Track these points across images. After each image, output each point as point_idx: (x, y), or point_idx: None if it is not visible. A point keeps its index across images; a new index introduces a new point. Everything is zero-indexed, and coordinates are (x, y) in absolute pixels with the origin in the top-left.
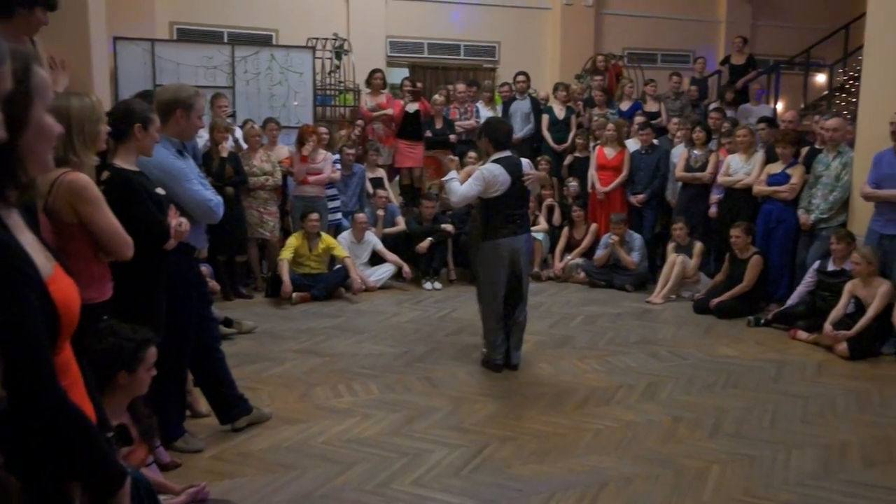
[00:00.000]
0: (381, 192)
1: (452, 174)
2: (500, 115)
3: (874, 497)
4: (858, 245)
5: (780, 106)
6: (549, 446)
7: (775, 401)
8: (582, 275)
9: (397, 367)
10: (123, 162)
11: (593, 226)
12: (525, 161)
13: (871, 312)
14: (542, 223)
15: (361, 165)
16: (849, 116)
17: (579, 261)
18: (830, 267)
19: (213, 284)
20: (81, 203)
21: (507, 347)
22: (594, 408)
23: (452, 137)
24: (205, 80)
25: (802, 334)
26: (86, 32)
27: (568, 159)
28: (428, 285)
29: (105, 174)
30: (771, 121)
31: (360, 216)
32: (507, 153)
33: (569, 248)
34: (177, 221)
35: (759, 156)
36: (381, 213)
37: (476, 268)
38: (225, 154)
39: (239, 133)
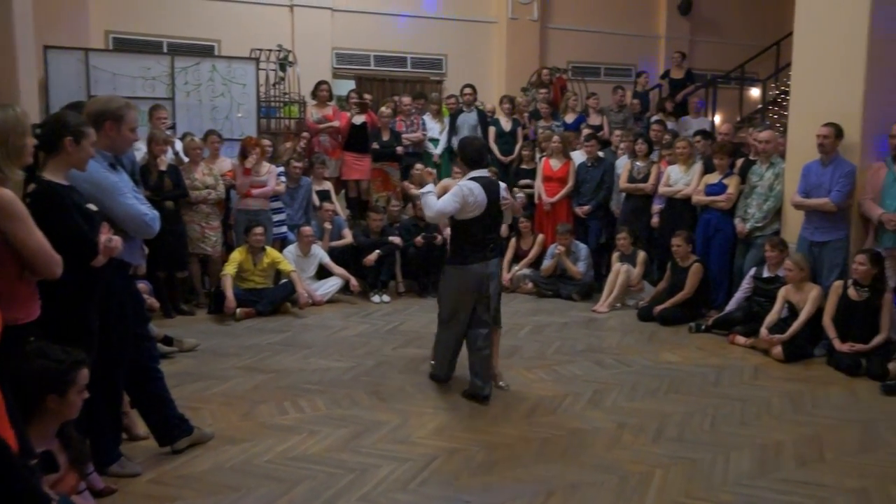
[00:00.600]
0: (327, 205)
1: (429, 187)
2: (446, 127)
3: (806, 493)
4: (791, 252)
5: (717, 118)
6: (497, 457)
7: (715, 404)
8: (529, 285)
9: (345, 381)
10: (52, 175)
11: (540, 236)
12: (502, 185)
13: (803, 316)
14: None
15: (308, 178)
16: (781, 129)
17: (527, 271)
18: (765, 273)
19: (152, 302)
20: (5, 219)
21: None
22: (542, 417)
23: (399, 150)
24: (143, 92)
25: (740, 339)
26: (11, 41)
27: (521, 197)
28: (376, 298)
29: (31, 186)
30: (707, 133)
31: (306, 229)
32: (484, 173)
33: (516, 258)
34: (106, 237)
35: (698, 167)
36: (327, 226)
37: (440, 290)
38: (164, 167)
39: (179, 145)
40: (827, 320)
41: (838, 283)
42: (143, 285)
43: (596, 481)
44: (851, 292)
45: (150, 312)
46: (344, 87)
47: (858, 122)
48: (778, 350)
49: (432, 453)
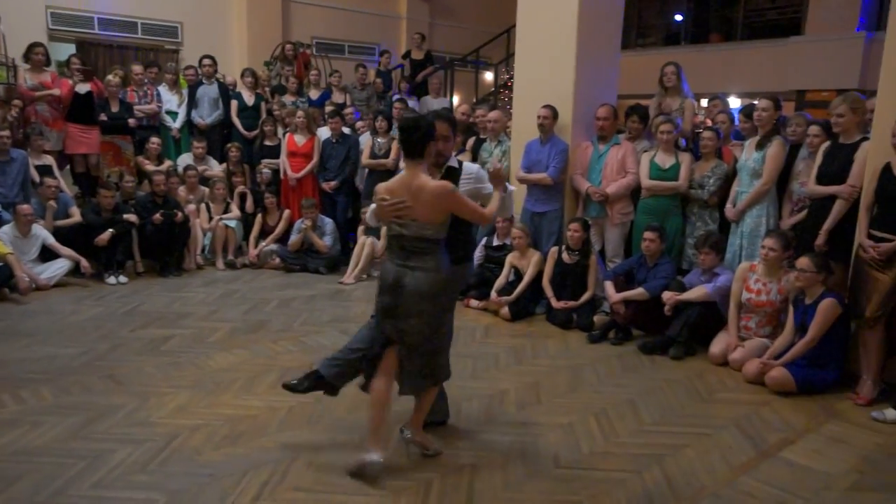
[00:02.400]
0: (49, 181)
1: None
2: (185, 99)
3: (524, 432)
4: (516, 222)
5: (455, 99)
6: (241, 429)
7: (451, 363)
8: (277, 260)
9: (74, 368)
10: None
11: (286, 212)
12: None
13: (526, 279)
14: (235, 211)
15: (23, 151)
16: (511, 110)
17: (274, 247)
18: (495, 242)
19: None
20: None
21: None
22: None
23: (132, 122)
24: None
25: (475, 303)
26: None
27: (266, 172)
28: (112, 279)
29: None
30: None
31: (25, 208)
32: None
33: (263, 234)
34: None
35: None
36: (52, 204)
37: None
38: None
39: None
40: (545, 282)
41: (554, 249)
42: None
43: (339, 442)
44: (565, 256)
45: None
46: (63, 51)
47: (570, 105)
48: (505, 310)
49: (173, 432)
